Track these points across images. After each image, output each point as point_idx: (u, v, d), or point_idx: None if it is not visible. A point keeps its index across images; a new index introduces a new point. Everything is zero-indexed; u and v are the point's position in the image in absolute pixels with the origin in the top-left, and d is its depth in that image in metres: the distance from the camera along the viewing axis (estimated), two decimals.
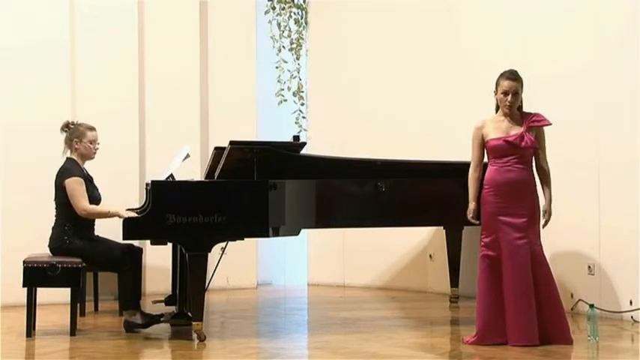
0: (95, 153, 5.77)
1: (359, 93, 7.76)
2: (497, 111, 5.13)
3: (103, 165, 5.89)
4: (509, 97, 5.00)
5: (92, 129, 5.75)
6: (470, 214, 5.11)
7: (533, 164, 5.08)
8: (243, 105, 7.72)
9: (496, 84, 5.07)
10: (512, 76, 5.02)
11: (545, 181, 5.11)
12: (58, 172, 5.64)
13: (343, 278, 7.87)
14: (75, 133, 5.71)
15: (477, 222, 5.08)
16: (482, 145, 5.09)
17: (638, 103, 5.65)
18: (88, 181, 5.67)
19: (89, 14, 7.03)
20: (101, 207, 5.58)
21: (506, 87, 5.01)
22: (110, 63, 7.09)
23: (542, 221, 5.06)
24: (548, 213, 5.06)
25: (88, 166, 5.80)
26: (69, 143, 5.72)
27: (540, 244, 5.02)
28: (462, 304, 6.57)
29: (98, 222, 5.73)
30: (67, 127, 5.74)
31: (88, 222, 5.65)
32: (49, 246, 5.60)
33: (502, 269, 4.96)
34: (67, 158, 5.72)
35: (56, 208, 5.65)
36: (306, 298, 7.54)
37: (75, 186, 5.51)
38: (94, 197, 5.64)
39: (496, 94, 5.08)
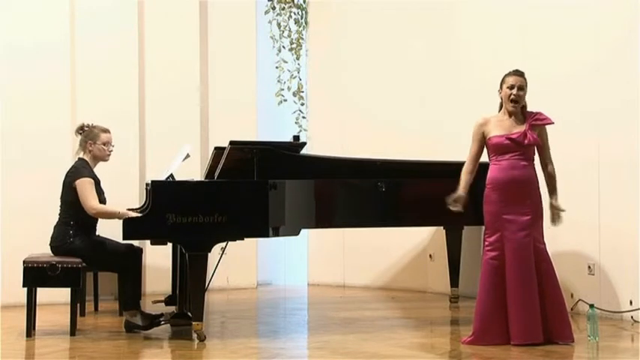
0: (109, 155, 5.78)
1: (359, 93, 7.76)
2: (499, 110, 5.15)
3: (103, 165, 5.87)
4: (514, 90, 5.02)
5: (106, 131, 5.76)
6: (453, 200, 5.01)
7: (537, 159, 5.10)
8: (243, 105, 7.71)
9: (501, 82, 5.10)
10: (518, 72, 5.08)
11: (551, 183, 5.11)
12: (69, 172, 5.65)
13: (343, 278, 7.87)
14: (89, 135, 5.71)
15: (458, 209, 5.02)
16: (482, 142, 5.10)
17: (638, 103, 5.65)
18: (97, 183, 5.67)
19: (89, 14, 7.03)
20: (111, 207, 5.58)
21: (512, 81, 5.04)
22: (110, 63, 7.09)
23: (550, 218, 5.07)
24: (558, 209, 5.05)
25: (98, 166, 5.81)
26: (83, 145, 5.73)
27: (544, 242, 5.02)
28: (462, 304, 6.57)
29: (99, 222, 5.73)
30: (81, 129, 5.75)
31: (90, 222, 5.65)
32: (50, 244, 5.60)
33: (506, 268, 4.96)
34: (79, 158, 5.73)
35: (61, 207, 5.65)
36: (306, 298, 7.54)
37: (85, 186, 5.51)
38: (100, 200, 5.64)
39: (500, 92, 5.10)
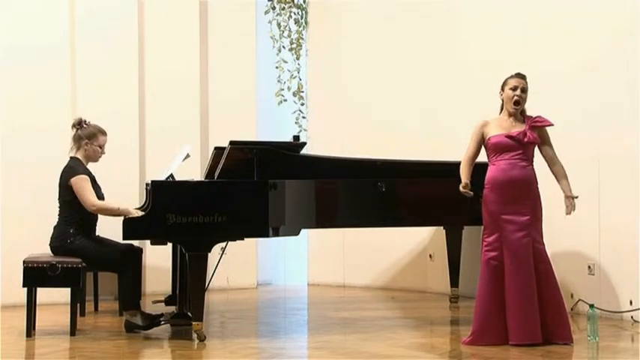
0: (100, 157, 5.78)
1: (359, 93, 7.76)
2: (500, 113, 5.16)
3: (103, 165, 5.88)
4: (517, 92, 5.04)
5: (104, 133, 5.76)
6: (463, 187, 5.03)
7: (536, 160, 5.10)
8: (243, 105, 7.72)
9: (502, 84, 5.14)
10: (520, 74, 5.12)
11: (562, 174, 5.11)
12: (63, 171, 5.64)
13: (343, 278, 7.87)
14: (88, 134, 5.69)
15: (472, 193, 5.05)
16: (480, 143, 5.12)
17: (637, 104, 5.65)
18: (92, 179, 5.67)
19: (89, 14, 7.03)
20: (111, 203, 5.56)
21: (514, 82, 5.08)
22: (110, 63, 7.09)
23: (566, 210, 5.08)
24: (572, 198, 5.07)
25: (89, 165, 5.81)
26: (78, 142, 5.70)
27: (543, 243, 5.03)
28: (462, 304, 6.57)
29: (99, 222, 5.73)
30: (79, 124, 5.71)
31: (90, 222, 5.66)
32: (50, 245, 5.60)
33: (505, 268, 4.97)
34: (72, 157, 5.72)
35: (60, 207, 5.64)
36: (306, 298, 7.54)
37: (82, 183, 5.51)
38: (98, 196, 5.64)
39: (502, 94, 5.12)
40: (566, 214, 5.11)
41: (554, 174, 5.15)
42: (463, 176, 5.09)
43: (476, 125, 5.14)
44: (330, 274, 7.91)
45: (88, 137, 5.69)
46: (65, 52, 6.93)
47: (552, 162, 5.15)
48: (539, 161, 5.15)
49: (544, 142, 5.12)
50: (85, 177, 5.55)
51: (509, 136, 5.02)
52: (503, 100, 5.13)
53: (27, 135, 6.69)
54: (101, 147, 5.74)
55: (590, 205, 5.86)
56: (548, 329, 4.96)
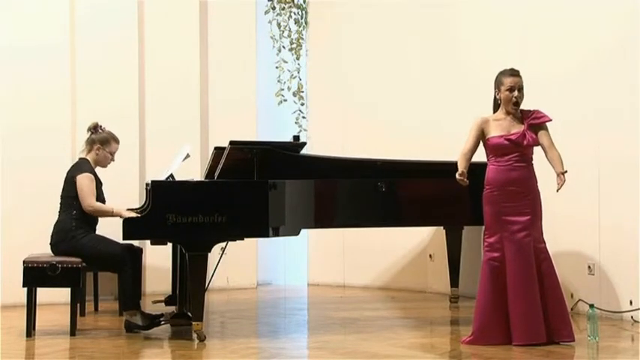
0: (108, 164, 5.82)
1: (359, 93, 7.76)
2: (494, 111, 5.15)
3: None
4: (515, 93, 5.01)
5: (118, 141, 5.84)
6: (459, 175, 4.92)
7: (535, 159, 5.09)
8: (243, 105, 7.71)
9: (498, 83, 5.07)
10: (515, 71, 5.06)
11: (556, 157, 4.96)
12: (71, 168, 5.72)
13: (343, 278, 7.87)
14: (102, 139, 5.76)
15: (467, 182, 4.97)
16: (479, 138, 5.09)
17: (638, 103, 5.65)
18: (97, 181, 5.70)
19: (89, 14, 7.04)
20: (106, 205, 5.63)
21: (511, 83, 5.02)
22: (110, 63, 7.09)
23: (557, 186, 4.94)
24: (562, 174, 4.90)
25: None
26: (90, 145, 5.77)
27: (544, 242, 5.03)
28: (462, 304, 6.57)
29: (99, 222, 5.73)
30: (94, 128, 5.78)
31: (91, 220, 5.67)
32: (50, 243, 5.60)
33: (506, 269, 4.96)
34: (82, 158, 5.78)
35: (61, 203, 5.67)
36: (306, 298, 7.54)
37: (86, 182, 5.56)
38: (100, 200, 5.68)
39: (498, 93, 5.08)
40: (556, 190, 4.95)
41: (549, 160, 5.03)
42: (459, 166, 5.01)
43: (475, 121, 5.11)
44: (330, 274, 7.90)
45: (101, 142, 5.75)
46: (65, 52, 6.93)
47: (549, 149, 5.04)
48: (538, 161, 5.15)
49: (540, 129, 5.04)
50: (91, 176, 5.61)
51: (508, 139, 5.01)
52: (498, 98, 5.09)
53: (27, 135, 6.69)
54: (112, 154, 5.80)
55: (590, 205, 5.86)
56: (551, 328, 4.95)
